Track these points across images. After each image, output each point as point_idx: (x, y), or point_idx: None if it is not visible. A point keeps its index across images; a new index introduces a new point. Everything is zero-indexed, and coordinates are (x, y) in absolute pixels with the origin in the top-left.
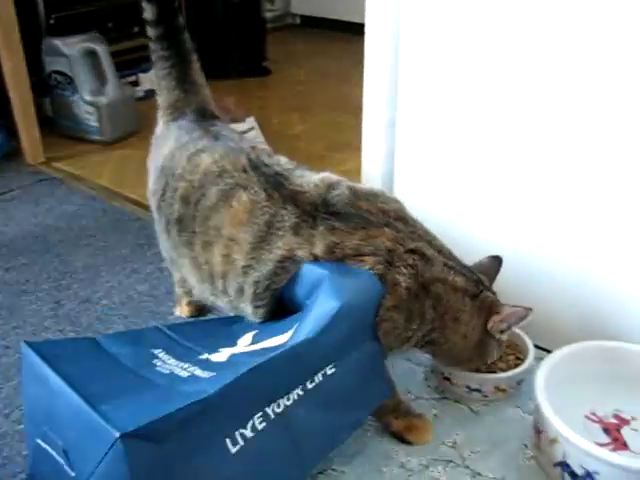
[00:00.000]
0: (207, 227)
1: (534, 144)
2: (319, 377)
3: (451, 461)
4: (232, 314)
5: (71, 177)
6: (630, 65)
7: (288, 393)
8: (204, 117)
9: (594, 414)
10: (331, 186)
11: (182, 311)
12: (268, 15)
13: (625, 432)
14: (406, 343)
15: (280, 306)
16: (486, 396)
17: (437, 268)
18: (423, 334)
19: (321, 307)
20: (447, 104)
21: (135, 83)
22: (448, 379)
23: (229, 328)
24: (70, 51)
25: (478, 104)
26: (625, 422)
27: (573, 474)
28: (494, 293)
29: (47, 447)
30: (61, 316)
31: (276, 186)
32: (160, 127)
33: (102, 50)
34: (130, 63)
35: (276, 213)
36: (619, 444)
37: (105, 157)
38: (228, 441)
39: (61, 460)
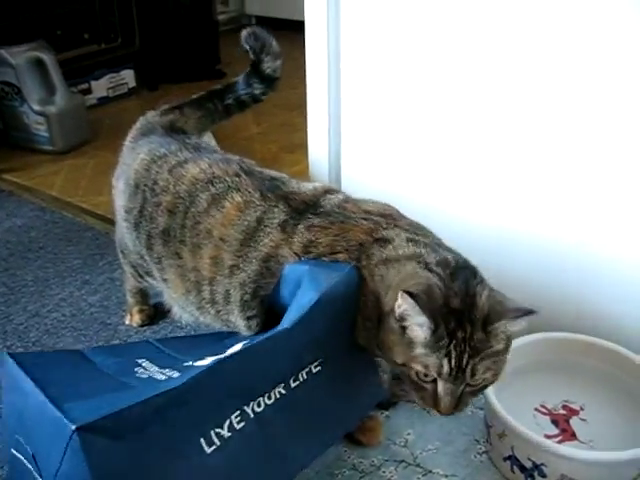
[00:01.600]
0: (198, 231)
1: (480, 132)
2: (303, 375)
3: (403, 460)
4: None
5: (21, 189)
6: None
7: (268, 391)
8: (173, 132)
9: (544, 406)
10: (328, 192)
11: (133, 320)
12: (223, 17)
13: (574, 422)
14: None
15: (273, 319)
16: None
17: (392, 246)
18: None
19: (300, 300)
20: (390, 98)
21: (87, 91)
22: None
23: (221, 341)
24: (16, 61)
25: (422, 93)
26: (574, 412)
27: (522, 467)
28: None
29: (20, 456)
30: (9, 332)
31: (272, 188)
32: (127, 144)
33: (49, 58)
34: (81, 70)
35: (268, 210)
36: (568, 435)
37: (57, 167)
38: (202, 441)
39: (31, 467)
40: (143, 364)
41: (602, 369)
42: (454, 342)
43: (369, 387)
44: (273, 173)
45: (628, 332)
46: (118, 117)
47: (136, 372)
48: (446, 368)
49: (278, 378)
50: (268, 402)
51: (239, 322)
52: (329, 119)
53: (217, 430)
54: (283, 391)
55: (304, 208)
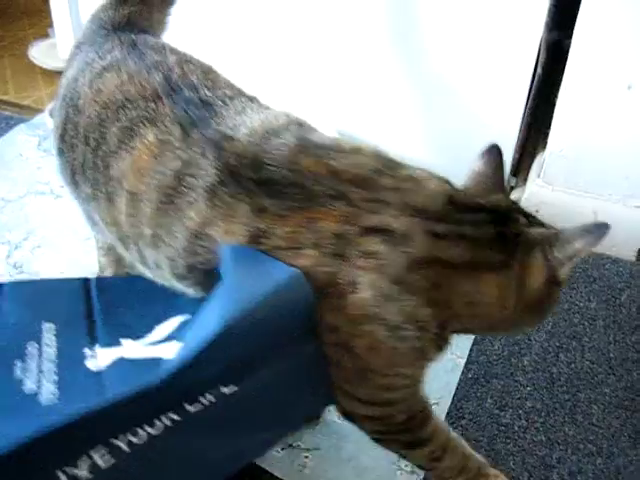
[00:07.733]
0: (108, 178)
1: None
2: (210, 398)
3: None
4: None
5: None
6: None
7: (150, 422)
8: (128, 30)
9: None
10: (273, 133)
11: None
12: None
13: None
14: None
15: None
16: None
17: (419, 243)
18: (438, 332)
19: (204, 324)
20: None
21: None
22: None
23: (174, 299)
24: None
25: None
26: None
27: None
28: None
29: None
30: None
31: (198, 122)
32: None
33: None
34: None
35: (191, 161)
36: None
37: None
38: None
39: None
40: (46, 335)
41: None
42: None
43: (308, 398)
44: (210, 90)
45: None
46: None
47: (25, 354)
48: None
49: (163, 410)
50: (153, 432)
51: (177, 285)
52: None
53: (68, 469)
54: (176, 417)
55: (238, 167)
